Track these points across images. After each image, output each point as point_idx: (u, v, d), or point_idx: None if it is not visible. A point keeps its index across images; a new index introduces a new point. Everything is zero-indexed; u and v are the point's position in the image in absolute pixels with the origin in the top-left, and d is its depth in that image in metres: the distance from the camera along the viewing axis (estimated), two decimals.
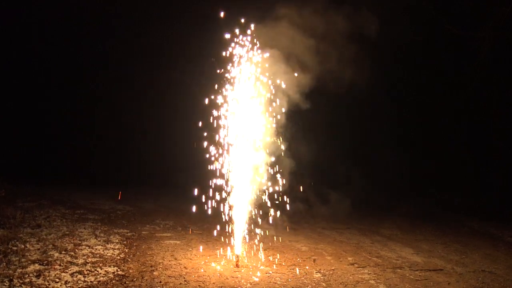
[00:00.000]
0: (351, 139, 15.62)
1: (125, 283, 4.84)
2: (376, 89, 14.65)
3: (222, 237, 6.80)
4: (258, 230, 6.97)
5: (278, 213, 6.80)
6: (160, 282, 4.94)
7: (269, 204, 6.44)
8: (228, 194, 6.14)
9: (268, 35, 6.36)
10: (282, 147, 6.40)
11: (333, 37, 7.27)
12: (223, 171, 6.17)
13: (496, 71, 13.56)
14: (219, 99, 6.18)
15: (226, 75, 6.19)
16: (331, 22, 7.21)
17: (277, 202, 6.52)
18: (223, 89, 6.16)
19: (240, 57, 6.14)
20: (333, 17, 7.26)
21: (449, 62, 14.83)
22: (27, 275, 4.81)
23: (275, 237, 7.33)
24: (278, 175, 6.36)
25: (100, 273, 5.11)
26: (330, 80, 7.63)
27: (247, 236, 6.60)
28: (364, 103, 15.12)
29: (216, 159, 6.16)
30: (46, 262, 5.32)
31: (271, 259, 6.19)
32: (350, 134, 15.62)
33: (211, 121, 6.21)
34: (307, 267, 5.86)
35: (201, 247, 6.64)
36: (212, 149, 6.17)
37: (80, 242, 6.46)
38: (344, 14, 7.44)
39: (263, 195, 6.30)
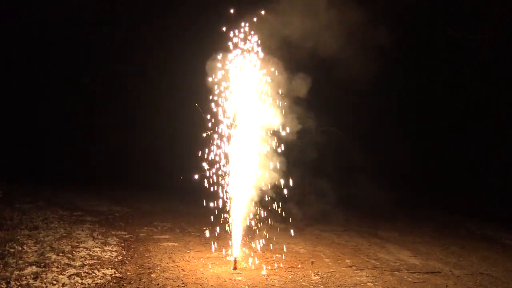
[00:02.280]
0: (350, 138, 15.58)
1: (122, 285, 4.84)
2: (376, 88, 14.64)
3: (220, 240, 6.79)
4: (256, 233, 6.96)
5: (278, 214, 6.78)
6: (158, 284, 4.94)
7: (267, 204, 6.43)
8: (227, 197, 6.13)
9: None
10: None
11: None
12: (222, 169, 6.14)
13: (496, 71, 13.54)
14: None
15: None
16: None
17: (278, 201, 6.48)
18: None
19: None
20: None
21: (449, 62, 14.80)
22: (24, 277, 4.82)
23: (273, 239, 7.32)
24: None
25: (98, 275, 5.11)
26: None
27: (245, 239, 6.60)
28: (363, 103, 15.09)
29: (214, 163, 6.14)
30: (43, 264, 5.32)
31: (269, 262, 6.18)
32: (348, 133, 15.57)
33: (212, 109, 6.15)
34: (305, 270, 5.86)
35: (199, 249, 6.64)
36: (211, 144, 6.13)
37: (77, 244, 6.45)
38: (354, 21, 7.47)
39: (265, 196, 6.28)
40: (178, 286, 4.94)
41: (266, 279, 5.39)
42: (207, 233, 6.82)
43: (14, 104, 15.78)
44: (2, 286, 4.53)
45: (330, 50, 7.28)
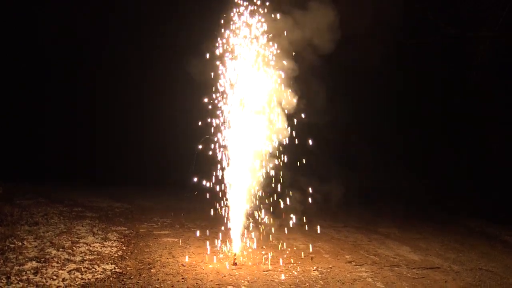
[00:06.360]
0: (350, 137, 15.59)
1: (122, 280, 4.85)
2: (376, 87, 14.65)
3: (220, 235, 6.80)
4: (256, 228, 6.97)
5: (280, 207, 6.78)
6: (158, 279, 4.95)
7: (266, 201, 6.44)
8: (226, 193, 6.14)
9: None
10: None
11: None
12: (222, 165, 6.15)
13: (496, 71, 13.55)
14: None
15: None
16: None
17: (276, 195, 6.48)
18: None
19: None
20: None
21: (448, 64, 14.79)
22: (24, 273, 4.82)
23: (272, 235, 7.34)
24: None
25: (98, 271, 5.12)
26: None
27: (245, 234, 6.61)
28: (362, 102, 15.12)
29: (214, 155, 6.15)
30: (43, 259, 5.33)
31: (268, 257, 6.19)
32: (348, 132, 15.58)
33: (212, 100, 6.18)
34: (304, 265, 5.87)
35: (199, 245, 6.65)
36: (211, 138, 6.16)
37: (77, 239, 6.46)
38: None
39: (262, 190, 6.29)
40: (178, 281, 4.95)
41: (266, 274, 5.40)
42: (207, 229, 6.82)
43: (13, 102, 15.76)
44: (2, 281, 4.53)
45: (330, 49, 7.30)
